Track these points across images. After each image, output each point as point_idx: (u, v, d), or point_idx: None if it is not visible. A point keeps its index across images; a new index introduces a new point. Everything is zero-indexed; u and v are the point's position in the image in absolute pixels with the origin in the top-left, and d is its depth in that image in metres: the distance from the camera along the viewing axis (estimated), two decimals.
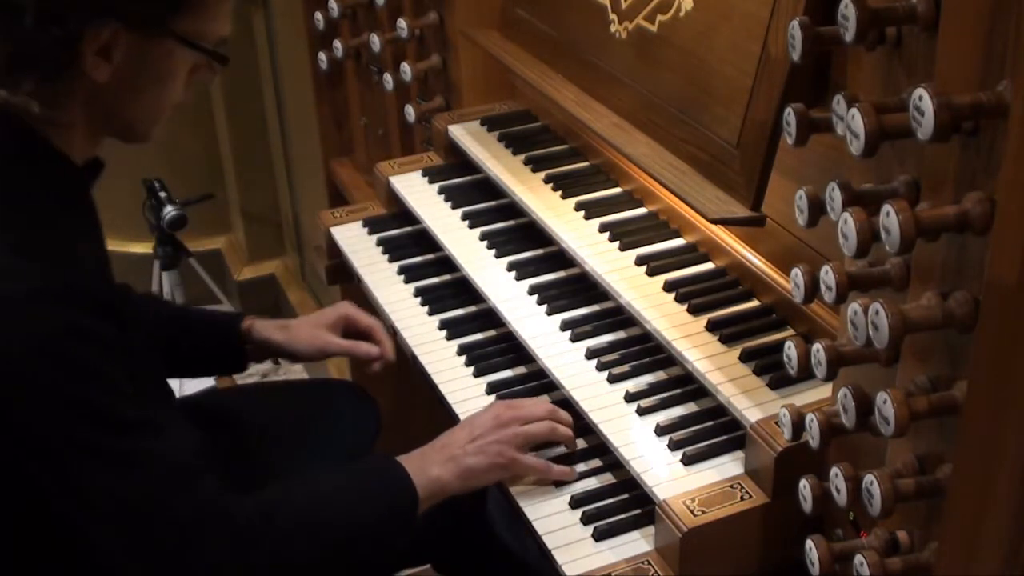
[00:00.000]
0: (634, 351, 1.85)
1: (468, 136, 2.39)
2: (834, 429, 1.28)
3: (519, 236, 2.18)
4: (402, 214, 2.39)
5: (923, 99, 1.04)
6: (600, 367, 1.81)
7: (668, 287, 1.86)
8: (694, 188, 1.70)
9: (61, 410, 1.37)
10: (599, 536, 1.60)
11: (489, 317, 2.04)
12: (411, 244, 2.32)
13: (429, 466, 1.65)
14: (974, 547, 1.16)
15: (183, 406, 1.98)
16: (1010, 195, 1.01)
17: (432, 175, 2.41)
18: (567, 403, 1.79)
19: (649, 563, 1.54)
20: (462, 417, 1.83)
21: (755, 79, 1.60)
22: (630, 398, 1.74)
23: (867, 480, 1.18)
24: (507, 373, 1.94)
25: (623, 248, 1.98)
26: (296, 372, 3.55)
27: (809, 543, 1.27)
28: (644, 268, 1.92)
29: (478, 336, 2.04)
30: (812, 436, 1.30)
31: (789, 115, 1.27)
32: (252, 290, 4.02)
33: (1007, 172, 1.01)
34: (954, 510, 1.16)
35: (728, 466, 1.60)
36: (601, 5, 2.02)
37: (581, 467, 1.73)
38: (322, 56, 2.81)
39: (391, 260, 2.27)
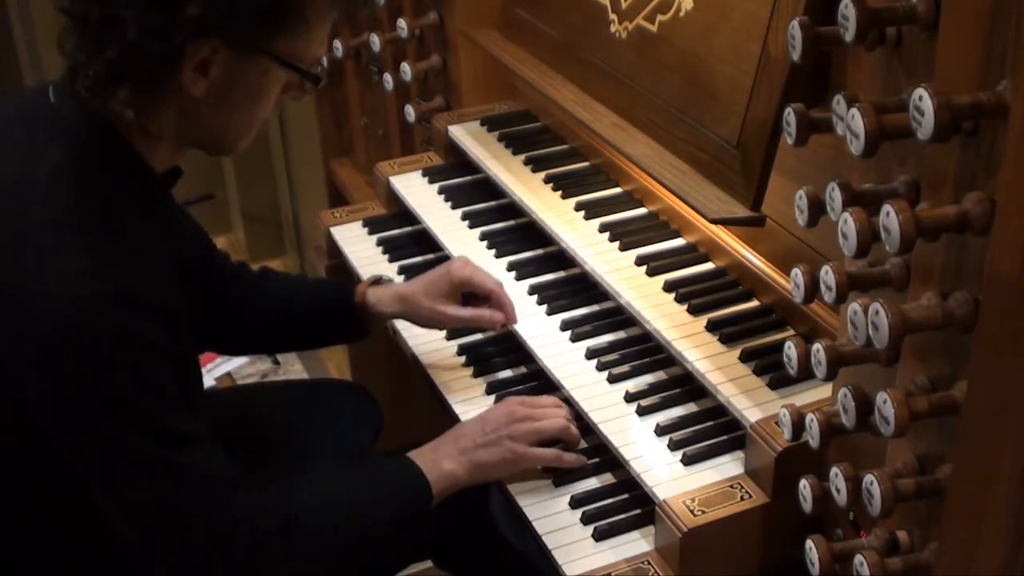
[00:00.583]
0: (634, 351, 1.85)
1: (468, 136, 2.39)
2: (834, 429, 1.28)
3: (519, 236, 2.18)
4: (402, 214, 2.39)
5: (923, 99, 1.04)
6: (600, 367, 1.81)
7: (668, 287, 1.86)
8: (694, 188, 1.70)
9: (117, 414, 1.40)
10: (599, 536, 1.60)
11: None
12: (411, 244, 2.32)
13: (441, 460, 1.66)
14: (974, 547, 1.16)
15: None
16: (1010, 195, 1.01)
17: (432, 175, 2.41)
18: (567, 403, 1.79)
19: (649, 563, 1.54)
20: (462, 417, 1.83)
21: (755, 79, 1.60)
22: (630, 398, 1.74)
23: (867, 480, 1.18)
24: (507, 373, 1.94)
25: (623, 248, 1.98)
26: (296, 372, 3.55)
27: (809, 543, 1.27)
28: (644, 268, 1.92)
29: (478, 336, 2.04)
30: (812, 436, 1.30)
31: (789, 115, 1.27)
32: None
33: (1007, 172, 1.01)
34: (954, 510, 1.16)
35: (728, 466, 1.60)
36: (601, 5, 2.02)
37: (581, 466, 1.73)
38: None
39: (391, 260, 2.27)
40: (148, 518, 1.46)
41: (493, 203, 2.29)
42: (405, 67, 2.46)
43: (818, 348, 1.24)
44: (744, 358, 1.69)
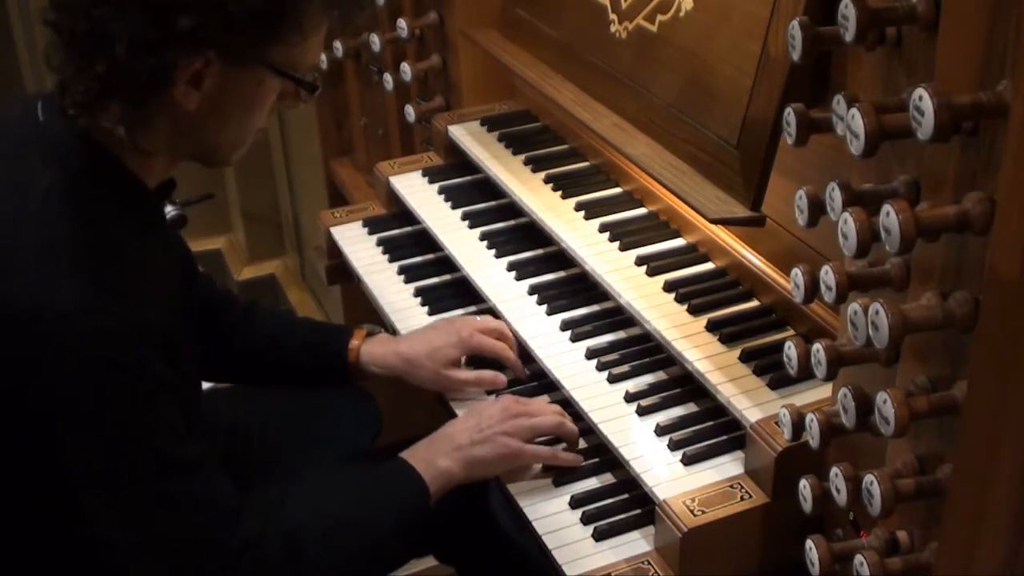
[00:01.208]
0: (634, 351, 1.85)
1: (468, 136, 2.39)
2: (834, 429, 1.28)
3: (519, 236, 2.18)
4: (402, 214, 2.39)
5: (923, 99, 1.03)
6: (600, 367, 1.81)
7: (668, 287, 1.86)
8: (694, 188, 1.70)
9: (119, 446, 1.40)
10: (599, 536, 1.60)
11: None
12: (411, 244, 2.32)
13: (436, 458, 1.66)
14: (974, 547, 1.16)
15: None
16: (1010, 195, 1.01)
17: (432, 175, 2.41)
18: (567, 403, 1.79)
19: (649, 563, 1.54)
20: (460, 413, 1.83)
21: (755, 79, 1.60)
22: (630, 398, 1.74)
23: (867, 480, 1.18)
24: (507, 372, 1.93)
25: (623, 248, 1.98)
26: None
27: (809, 543, 1.26)
28: (644, 268, 1.92)
29: None
30: (812, 436, 1.30)
31: (789, 115, 1.27)
32: (252, 290, 4.02)
33: (1007, 172, 1.01)
34: (954, 510, 1.16)
35: (728, 466, 1.60)
36: (601, 5, 2.02)
37: (581, 466, 1.73)
38: (322, 56, 2.81)
39: (391, 260, 2.27)
40: (153, 548, 1.45)
41: (493, 203, 2.29)
42: (405, 67, 2.46)
43: (818, 348, 1.24)
44: (744, 358, 1.69)
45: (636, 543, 1.59)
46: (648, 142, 1.84)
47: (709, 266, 1.93)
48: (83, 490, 1.43)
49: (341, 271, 2.40)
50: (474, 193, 2.33)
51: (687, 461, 1.61)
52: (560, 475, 1.71)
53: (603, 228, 2.04)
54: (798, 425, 1.34)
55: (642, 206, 2.11)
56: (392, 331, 2.09)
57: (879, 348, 1.13)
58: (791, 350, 1.29)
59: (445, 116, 2.47)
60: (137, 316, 1.39)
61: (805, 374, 1.28)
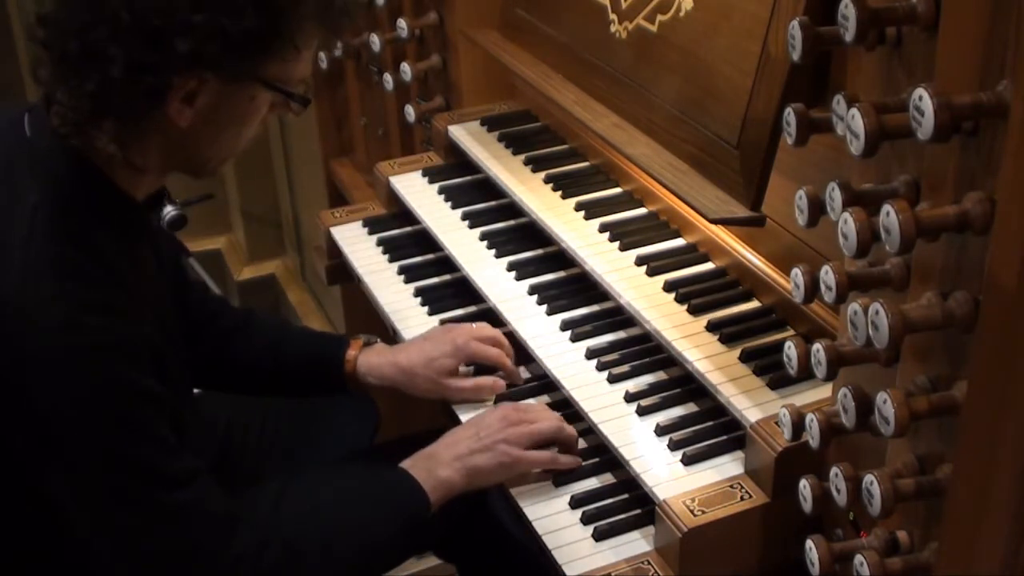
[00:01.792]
0: (634, 351, 1.85)
1: (468, 136, 2.39)
2: (834, 429, 1.28)
3: (519, 236, 2.18)
4: (402, 214, 2.39)
5: (923, 99, 1.03)
6: (600, 367, 1.81)
7: (668, 287, 1.86)
8: (694, 188, 1.69)
9: (113, 464, 1.40)
10: (599, 536, 1.60)
11: (489, 317, 2.04)
12: (411, 244, 2.32)
13: (437, 468, 1.67)
14: (974, 547, 1.16)
15: None
16: (1010, 195, 1.01)
17: (432, 175, 2.41)
18: (567, 403, 1.79)
19: (649, 563, 1.54)
20: (463, 418, 1.83)
21: (755, 79, 1.60)
22: (630, 398, 1.74)
23: (867, 480, 1.18)
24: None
25: (623, 248, 1.98)
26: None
27: (809, 543, 1.26)
28: (644, 268, 1.92)
29: None
30: (812, 436, 1.30)
31: (789, 115, 1.27)
32: (252, 290, 4.02)
33: (1007, 172, 1.01)
34: (954, 510, 1.16)
35: (728, 466, 1.60)
36: (601, 5, 2.02)
37: (581, 466, 1.73)
38: (322, 56, 2.81)
39: (391, 260, 2.27)
40: (144, 561, 1.45)
41: (493, 203, 2.29)
42: (405, 67, 2.46)
43: (818, 348, 1.24)
44: (744, 358, 1.69)
45: (636, 543, 1.59)
46: (648, 142, 1.84)
47: (709, 266, 1.93)
48: (72, 504, 1.43)
49: (341, 271, 2.40)
50: (474, 193, 2.33)
51: (687, 461, 1.61)
52: (560, 475, 1.71)
53: (603, 228, 2.04)
54: (798, 425, 1.34)
55: (642, 206, 2.11)
56: (392, 331, 2.09)
57: (879, 348, 1.13)
58: (791, 350, 1.29)
59: (445, 116, 2.47)
60: (123, 332, 1.39)
61: (805, 374, 1.28)
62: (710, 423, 1.68)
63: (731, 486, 1.55)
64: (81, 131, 1.40)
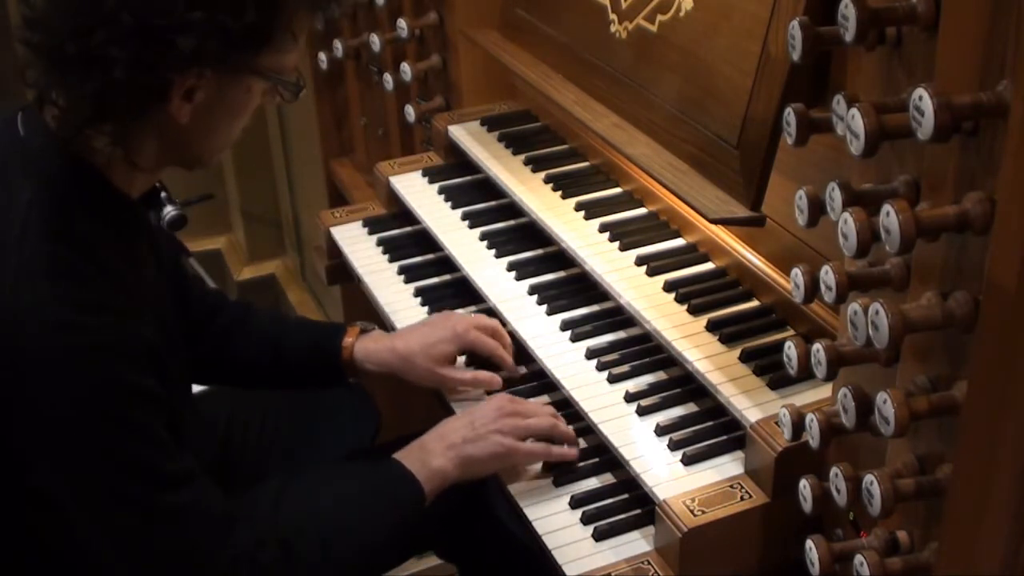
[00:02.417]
0: (634, 351, 1.85)
1: (468, 136, 2.39)
2: (834, 429, 1.28)
3: (519, 236, 2.18)
4: (402, 214, 2.39)
5: (923, 99, 1.04)
6: (600, 367, 1.81)
7: (668, 287, 1.86)
8: (694, 188, 1.69)
9: (109, 464, 1.39)
10: (599, 536, 1.60)
11: (489, 317, 2.04)
12: (411, 244, 2.32)
13: (430, 458, 1.66)
14: (974, 547, 1.16)
15: None
16: (1010, 195, 1.01)
17: (432, 175, 2.41)
18: (567, 403, 1.79)
19: (649, 563, 1.54)
20: (458, 412, 1.83)
21: (755, 79, 1.60)
22: (630, 398, 1.74)
23: (867, 480, 1.18)
24: (507, 372, 1.93)
25: (623, 248, 1.98)
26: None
27: (809, 543, 1.26)
28: (644, 268, 1.92)
29: None
30: (812, 436, 1.30)
31: (789, 115, 1.27)
32: (252, 290, 4.02)
33: (1007, 172, 1.01)
34: (954, 510, 1.16)
35: (728, 466, 1.60)
36: (601, 5, 2.02)
37: (581, 466, 1.73)
38: (322, 56, 2.81)
39: (391, 260, 2.27)
40: (143, 562, 1.45)
41: (493, 203, 2.29)
42: (405, 67, 2.46)
43: (818, 348, 1.24)
44: (744, 358, 1.69)
45: (636, 543, 1.59)
46: (648, 142, 1.84)
47: (709, 266, 1.93)
48: (72, 505, 1.42)
49: (341, 271, 2.40)
50: (474, 193, 2.33)
51: (687, 461, 1.61)
52: (560, 475, 1.71)
53: (603, 228, 2.04)
54: (798, 425, 1.34)
55: (642, 206, 2.11)
56: (391, 331, 2.09)
57: (879, 348, 1.13)
58: (791, 350, 1.29)
59: (445, 116, 2.47)
60: (120, 331, 1.39)
61: (805, 374, 1.28)
62: (710, 423, 1.68)
63: (731, 486, 1.55)
64: (80, 132, 1.39)
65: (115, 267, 1.44)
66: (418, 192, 2.36)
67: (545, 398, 1.86)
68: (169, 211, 3.31)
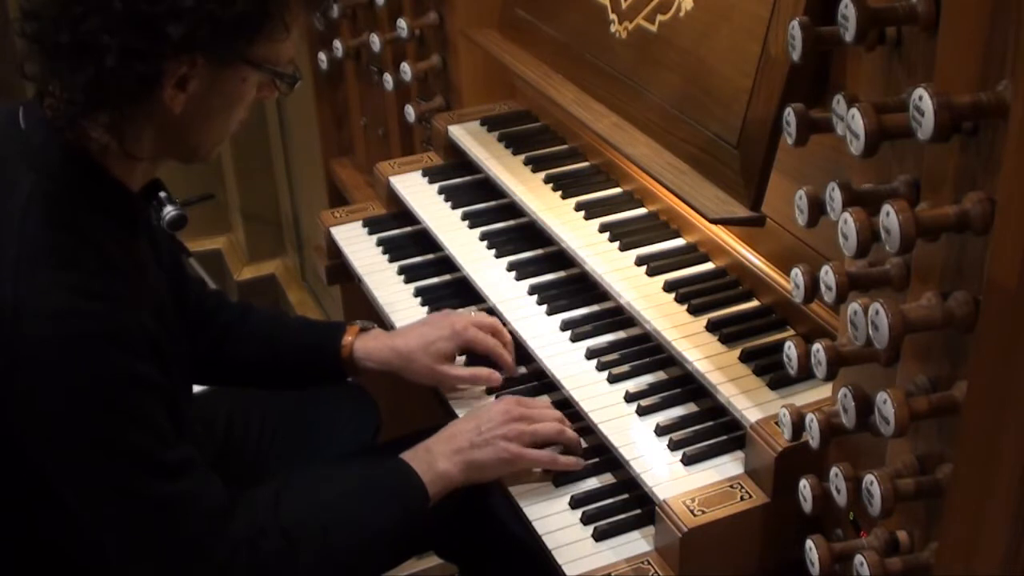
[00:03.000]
0: (634, 351, 1.84)
1: (468, 136, 2.39)
2: (834, 429, 1.27)
3: (519, 236, 2.18)
4: (402, 214, 2.39)
5: (923, 99, 1.03)
6: (600, 367, 1.81)
7: (668, 287, 1.86)
8: (694, 188, 1.70)
9: (110, 452, 1.40)
10: (599, 536, 1.60)
11: (489, 315, 2.04)
12: (411, 244, 2.32)
13: (436, 461, 1.66)
14: (974, 547, 1.15)
15: None
16: (1010, 195, 1.01)
17: (432, 175, 2.41)
18: (567, 403, 1.79)
19: (649, 563, 1.54)
20: (460, 414, 1.82)
21: (755, 79, 1.60)
22: (630, 398, 1.74)
23: (867, 480, 1.18)
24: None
25: (623, 248, 1.98)
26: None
27: (809, 543, 1.26)
28: (644, 268, 1.92)
29: None
30: (812, 436, 1.30)
31: (789, 115, 1.27)
32: (252, 290, 4.02)
33: (1007, 172, 1.01)
34: (954, 510, 1.16)
35: (728, 466, 1.60)
36: (601, 5, 2.02)
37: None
38: (322, 56, 2.81)
39: (391, 260, 2.27)
40: (143, 549, 1.46)
41: (493, 203, 2.29)
42: (405, 67, 2.46)
43: (818, 348, 1.24)
44: (744, 358, 1.69)
45: (636, 543, 1.59)
46: (648, 142, 1.84)
47: (709, 266, 1.93)
48: (71, 491, 1.43)
49: (341, 271, 2.40)
50: (474, 193, 2.33)
51: (687, 461, 1.61)
52: (560, 476, 1.71)
53: (603, 228, 2.04)
54: (798, 425, 1.34)
55: (642, 206, 2.11)
56: (391, 330, 2.09)
57: (879, 348, 1.13)
58: (791, 350, 1.29)
59: (445, 116, 2.47)
60: (120, 319, 1.40)
61: (805, 374, 1.28)
62: (710, 423, 1.68)
63: (731, 486, 1.55)
64: (75, 123, 1.40)
65: (115, 258, 1.45)
66: (418, 192, 2.36)
67: (545, 398, 1.86)
68: (169, 211, 3.31)
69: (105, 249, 1.44)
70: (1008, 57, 1.01)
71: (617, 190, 2.17)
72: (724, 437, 1.64)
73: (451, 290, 2.17)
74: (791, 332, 1.74)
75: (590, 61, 2.04)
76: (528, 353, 1.90)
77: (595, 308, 1.97)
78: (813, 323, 1.67)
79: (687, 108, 1.77)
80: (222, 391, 2.09)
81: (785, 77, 1.54)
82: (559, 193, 2.15)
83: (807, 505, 1.31)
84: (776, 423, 1.49)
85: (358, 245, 2.34)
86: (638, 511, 1.63)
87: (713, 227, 1.88)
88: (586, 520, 1.62)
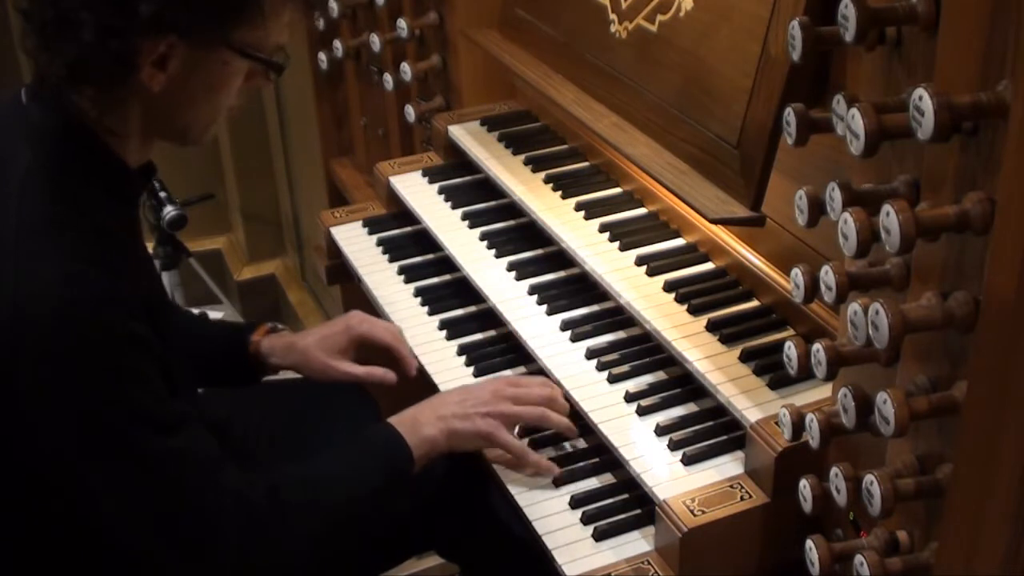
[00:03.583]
0: (634, 351, 1.85)
1: (468, 136, 2.39)
2: (834, 429, 1.27)
3: (519, 236, 2.18)
4: (402, 214, 2.39)
5: (923, 99, 1.03)
6: (600, 367, 1.81)
7: (668, 287, 1.86)
8: (694, 188, 1.70)
9: (111, 410, 1.43)
10: (599, 536, 1.60)
11: (489, 317, 2.04)
12: (411, 244, 2.32)
13: (421, 426, 1.71)
14: (974, 547, 1.15)
15: None
16: (1010, 195, 1.01)
17: (432, 175, 2.41)
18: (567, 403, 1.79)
19: (649, 563, 1.54)
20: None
21: (755, 79, 1.60)
22: (630, 398, 1.74)
23: (867, 480, 1.18)
24: (507, 373, 1.93)
25: (623, 248, 1.98)
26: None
27: (809, 543, 1.26)
28: (644, 268, 1.92)
29: (478, 336, 2.04)
30: (812, 436, 1.30)
31: (789, 115, 1.27)
32: (252, 290, 4.02)
33: (1007, 172, 1.01)
34: (954, 510, 1.16)
35: (728, 466, 1.60)
36: (601, 5, 2.02)
37: (581, 466, 1.73)
38: (322, 56, 2.81)
39: (391, 260, 2.27)
40: (136, 504, 1.48)
41: (493, 203, 2.29)
42: (405, 67, 2.46)
43: (818, 348, 1.24)
44: (744, 358, 1.69)
45: (636, 543, 1.59)
46: (648, 142, 1.84)
47: (709, 266, 1.93)
48: (69, 449, 1.45)
49: (341, 271, 2.40)
50: (474, 193, 2.33)
51: (687, 461, 1.61)
52: (560, 474, 1.71)
53: (603, 228, 2.04)
54: (798, 425, 1.34)
55: (642, 206, 2.11)
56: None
57: (879, 348, 1.13)
58: (791, 350, 1.29)
59: (445, 116, 2.47)
60: (117, 283, 1.44)
61: (805, 374, 1.28)
62: (710, 423, 1.68)
63: (731, 486, 1.55)
64: (66, 97, 1.45)
65: (112, 230, 1.49)
66: (418, 192, 2.36)
67: (542, 378, 1.86)
68: (169, 211, 3.32)
69: (102, 221, 1.48)
70: (1008, 57, 1.01)
71: (617, 190, 2.17)
72: (724, 437, 1.64)
73: (451, 290, 2.17)
74: (791, 332, 1.74)
75: (590, 61, 2.04)
76: (528, 353, 1.90)
77: (595, 308, 1.97)
78: (813, 323, 1.67)
79: (687, 108, 1.77)
80: (221, 392, 2.09)
81: (785, 77, 1.54)
82: (559, 193, 2.16)
83: (807, 505, 1.31)
84: (776, 423, 1.49)
85: (358, 245, 2.34)
86: (638, 511, 1.63)
87: (713, 227, 1.88)
88: (586, 520, 1.63)
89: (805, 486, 1.31)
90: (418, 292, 2.17)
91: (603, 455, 1.73)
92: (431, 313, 2.10)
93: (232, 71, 1.51)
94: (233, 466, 1.55)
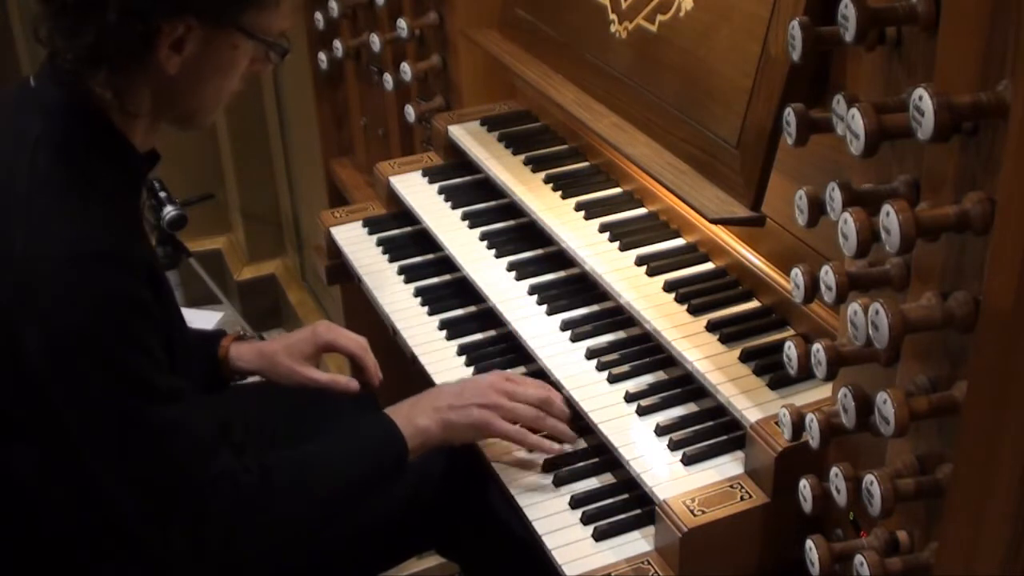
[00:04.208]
0: (634, 351, 1.85)
1: (468, 136, 2.39)
2: (834, 429, 1.28)
3: (519, 236, 2.18)
4: (402, 214, 2.39)
5: (923, 99, 1.04)
6: (600, 367, 1.81)
7: (668, 287, 1.86)
8: (694, 188, 1.70)
9: (111, 373, 1.46)
10: (599, 536, 1.60)
11: (489, 317, 2.04)
12: (411, 244, 2.32)
13: (416, 416, 1.72)
14: (974, 547, 1.16)
15: None
16: (1010, 195, 1.01)
17: (432, 175, 2.41)
18: (567, 403, 1.79)
19: (649, 563, 1.54)
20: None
21: (755, 79, 1.60)
22: (630, 398, 1.74)
23: (867, 480, 1.18)
24: (507, 373, 1.93)
25: (623, 248, 1.98)
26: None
27: (809, 543, 1.27)
28: (644, 268, 1.92)
29: (478, 336, 2.04)
30: (812, 436, 1.30)
31: (789, 115, 1.27)
32: (252, 290, 4.02)
33: (1007, 172, 1.01)
34: (954, 510, 1.16)
35: (728, 466, 1.60)
36: (601, 5, 2.02)
37: (581, 466, 1.73)
38: (322, 56, 2.81)
39: (391, 260, 2.27)
40: (128, 471, 1.50)
41: (493, 203, 2.29)
42: (405, 67, 2.46)
43: (818, 348, 1.24)
44: (744, 358, 1.69)
45: (636, 543, 1.59)
46: (648, 142, 1.84)
47: (709, 266, 1.93)
48: (69, 412, 1.47)
49: (341, 271, 2.40)
50: (474, 193, 2.33)
51: (687, 461, 1.61)
52: (559, 473, 1.71)
53: (603, 228, 2.04)
54: (798, 425, 1.34)
55: (642, 206, 2.11)
56: (392, 331, 2.09)
57: (879, 348, 1.13)
58: (791, 350, 1.29)
59: (445, 116, 2.47)
60: (119, 243, 1.47)
61: (805, 374, 1.28)
62: (710, 423, 1.68)
63: (731, 486, 1.55)
64: (80, 79, 1.48)
65: (117, 201, 1.53)
66: (418, 192, 2.36)
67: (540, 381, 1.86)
68: (169, 211, 3.32)
69: (108, 192, 1.52)
70: (1008, 57, 1.01)
71: (617, 190, 2.17)
72: (724, 437, 1.64)
73: (451, 290, 2.17)
74: (791, 332, 1.74)
75: (590, 61, 2.04)
76: (528, 353, 1.90)
77: (595, 308, 1.97)
78: (813, 323, 1.67)
79: (687, 108, 1.77)
80: (221, 395, 2.09)
81: (785, 77, 1.54)
82: (559, 193, 2.16)
83: (807, 505, 1.31)
84: (776, 423, 1.49)
85: (358, 245, 2.34)
86: (638, 511, 1.63)
87: (713, 227, 1.88)
88: (586, 520, 1.63)
89: (805, 486, 1.31)
90: (418, 292, 2.17)
91: (603, 455, 1.73)
92: (431, 313, 2.10)
93: (240, 54, 1.55)
94: (228, 450, 1.57)
